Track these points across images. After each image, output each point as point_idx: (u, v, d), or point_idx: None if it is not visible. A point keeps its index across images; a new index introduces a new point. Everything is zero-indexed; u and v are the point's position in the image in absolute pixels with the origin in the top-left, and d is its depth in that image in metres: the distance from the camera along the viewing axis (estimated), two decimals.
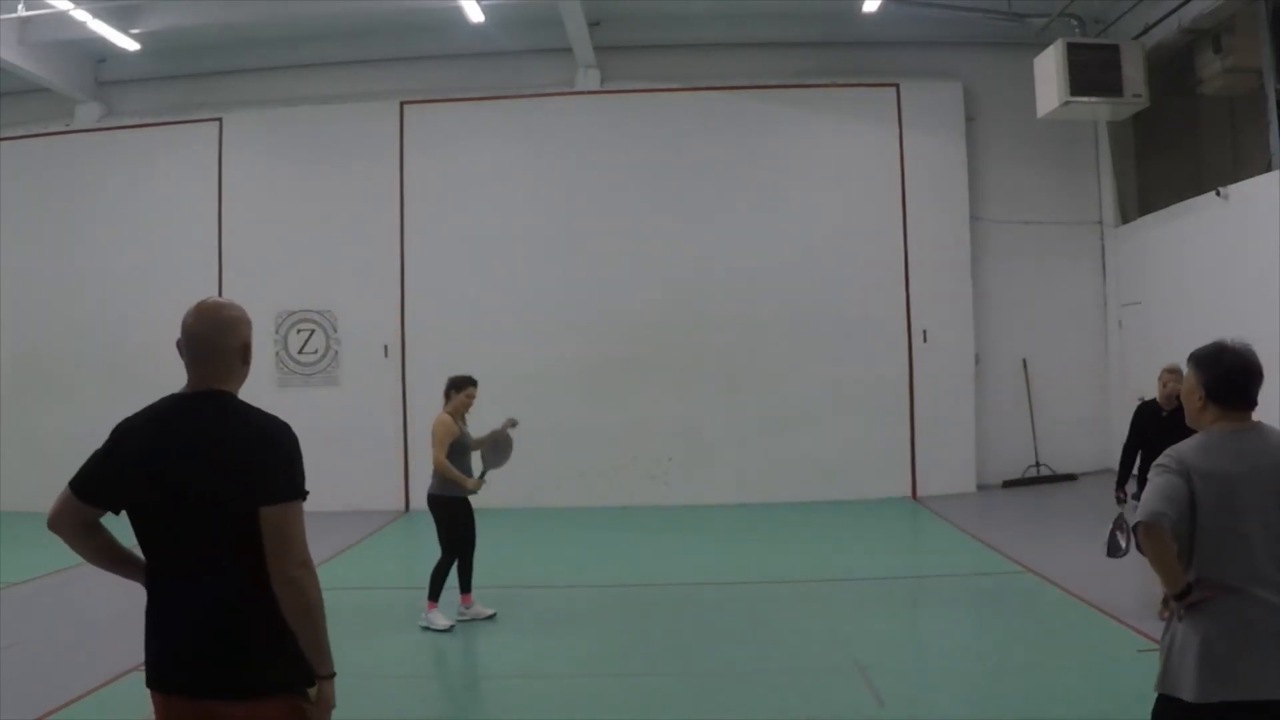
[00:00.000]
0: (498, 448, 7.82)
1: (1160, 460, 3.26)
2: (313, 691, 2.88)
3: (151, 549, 2.94)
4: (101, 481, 3.00)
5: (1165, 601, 3.34)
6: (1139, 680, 5.82)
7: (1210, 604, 3.12)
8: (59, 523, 3.07)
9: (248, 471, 2.80)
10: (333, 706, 2.93)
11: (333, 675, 2.92)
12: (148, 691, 2.90)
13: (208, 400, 2.96)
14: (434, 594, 7.46)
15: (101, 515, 3.03)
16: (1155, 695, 3.25)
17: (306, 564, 2.83)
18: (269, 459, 2.82)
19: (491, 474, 7.77)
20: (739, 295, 13.75)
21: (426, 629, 7.34)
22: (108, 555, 3.14)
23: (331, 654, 2.92)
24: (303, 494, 2.85)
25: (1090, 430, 14.26)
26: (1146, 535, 3.13)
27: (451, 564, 7.55)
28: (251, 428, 2.89)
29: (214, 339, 3.01)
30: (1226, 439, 3.23)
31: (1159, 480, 3.19)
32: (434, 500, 7.62)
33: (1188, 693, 3.08)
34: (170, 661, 2.84)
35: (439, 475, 7.56)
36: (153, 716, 2.90)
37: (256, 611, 2.80)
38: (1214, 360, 3.34)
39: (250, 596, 2.79)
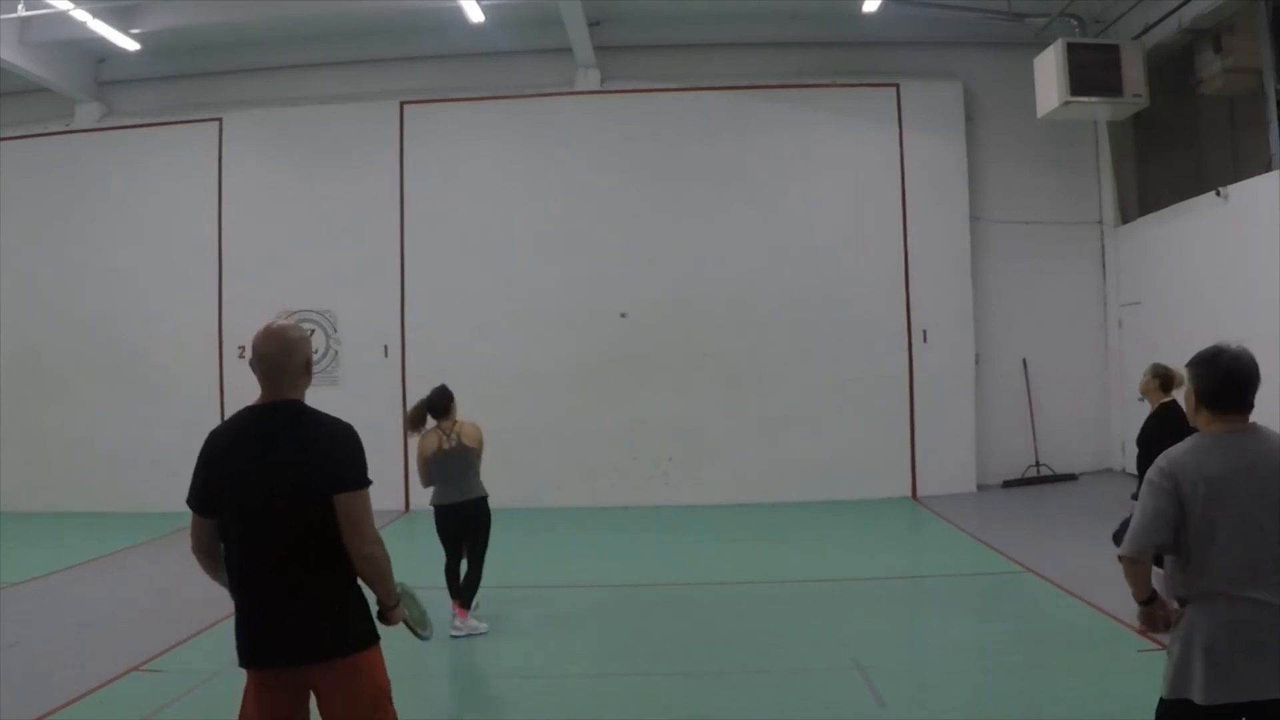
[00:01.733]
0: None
1: (1150, 474, 3.31)
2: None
3: (239, 545, 3.41)
4: (205, 491, 3.47)
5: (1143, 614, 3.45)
6: (1139, 680, 5.83)
7: (1210, 606, 3.16)
8: (199, 546, 3.53)
9: (321, 466, 3.36)
10: (400, 618, 3.66)
11: (396, 603, 3.61)
12: (244, 671, 3.45)
13: (282, 409, 3.48)
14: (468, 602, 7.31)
15: (215, 526, 3.48)
16: (1159, 699, 3.28)
17: (377, 540, 3.44)
18: (338, 454, 3.39)
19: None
20: (739, 295, 13.76)
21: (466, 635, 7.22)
22: (217, 567, 3.56)
23: (393, 585, 3.58)
24: (367, 482, 3.43)
25: (1090, 430, 14.27)
26: (1130, 568, 3.30)
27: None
28: (322, 429, 3.47)
29: (282, 358, 3.51)
30: (1219, 441, 3.27)
31: (1146, 505, 3.25)
32: (484, 505, 7.46)
33: (1197, 694, 3.10)
34: (267, 639, 3.37)
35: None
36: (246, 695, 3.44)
37: (333, 589, 3.38)
38: (1210, 364, 3.35)
39: (328, 577, 3.37)
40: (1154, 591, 3.33)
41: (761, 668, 6.66)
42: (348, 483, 3.36)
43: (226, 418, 3.60)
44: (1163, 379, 7.18)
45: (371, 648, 3.49)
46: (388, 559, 3.49)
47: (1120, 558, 3.29)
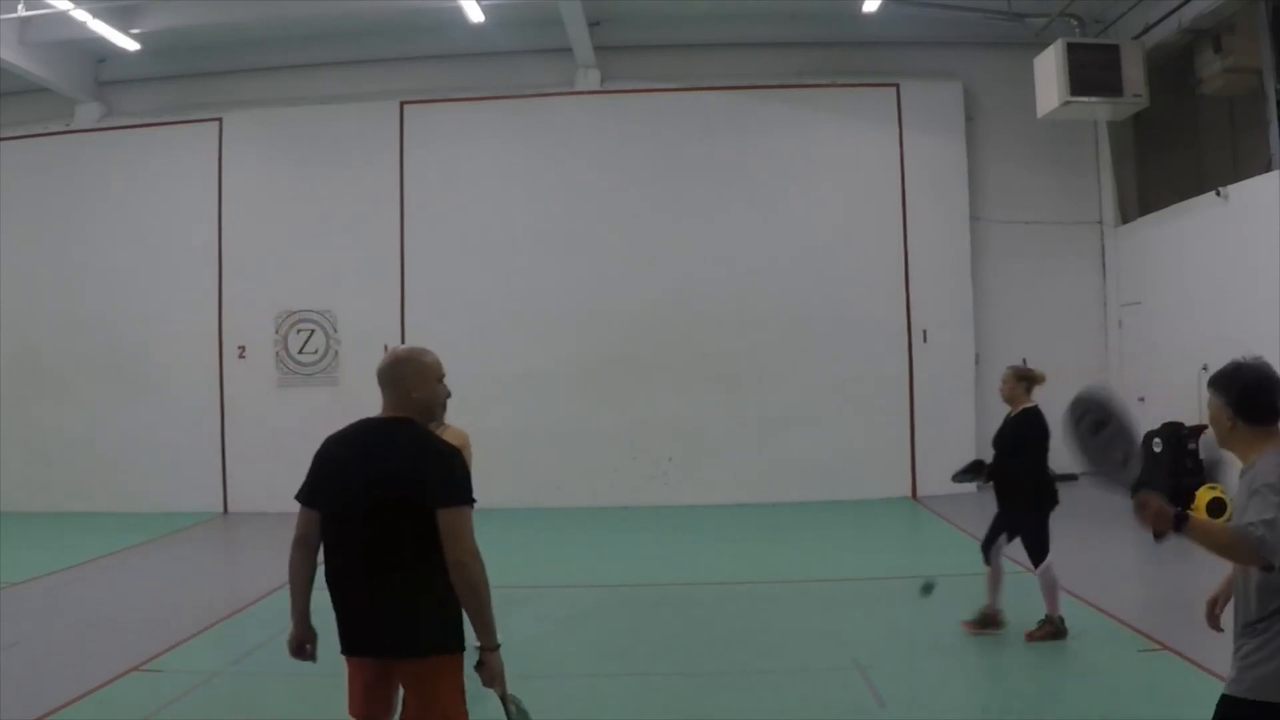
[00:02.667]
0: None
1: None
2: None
3: (340, 543, 3.64)
4: (317, 486, 3.70)
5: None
6: (1139, 680, 5.84)
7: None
8: (301, 538, 3.73)
9: (427, 482, 3.52)
10: (499, 672, 3.64)
11: (497, 647, 3.59)
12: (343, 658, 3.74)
13: (396, 425, 3.68)
14: None
15: (317, 523, 3.69)
16: (1232, 698, 3.19)
17: (475, 554, 3.51)
18: (443, 473, 3.56)
19: None
20: (739, 295, 13.75)
21: None
22: (307, 568, 3.77)
23: (495, 629, 3.59)
24: (470, 501, 3.56)
25: None
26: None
27: None
28: (430, 448, 3.64)
29: (394, 375, 3.73)
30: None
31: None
32: None
33: (1259, 693, 3.08)
34: (360, 631, 3.62)
35: None
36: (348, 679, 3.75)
37: (426, 591, 3.51)
38: (1231, 379, 3.30)
39: (422, 579, 3.51)
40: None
41: (761, 668, 6.65)
42: (450, 499, 3.51)
43: (344, 427, 3.79)
44: (1027, 381, 7.07)
45: (447, 655, 3.57)
46: (484, 576, 3.52)
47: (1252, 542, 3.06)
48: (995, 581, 7.03)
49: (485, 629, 3.56)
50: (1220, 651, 6.43)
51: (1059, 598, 6.75)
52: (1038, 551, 6.78)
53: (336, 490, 3.64)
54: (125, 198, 14.35)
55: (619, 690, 6.31)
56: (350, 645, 3.69)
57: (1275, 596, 3.12)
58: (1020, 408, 7.05)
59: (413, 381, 3.71)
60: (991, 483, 7.07)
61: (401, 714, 3.67)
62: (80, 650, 7.24)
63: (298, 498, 3.75)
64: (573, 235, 13.92)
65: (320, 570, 3.73)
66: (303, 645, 3.95)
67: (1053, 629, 6.68)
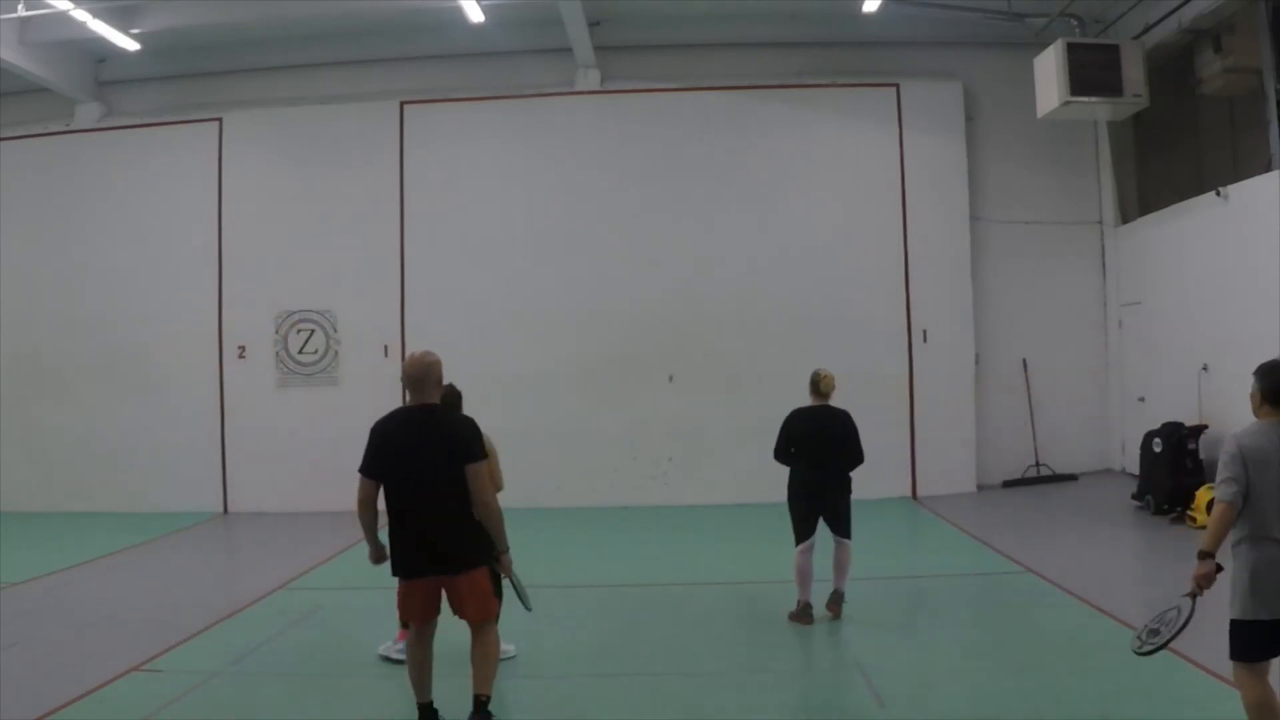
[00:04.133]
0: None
1: (1226, 446, 4.46)
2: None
3: (398, 498, 5.16)
4: (375, 462, 5.22)
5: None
6: (1140, 680, 5.84)
7: (1256, 548, 4.32)
8: (365, 501, 5.23)
9: (455, 447, 5.16)
10: (509, 564, 5.48)
11: (507, 549, 5.39)
12: (396, 579, 5.30)
13: (426, 410, 5.31)
14: None
15: (377, 486, 5.21)
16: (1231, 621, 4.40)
17: (492, 494, 5.28)
18: (466, 438, 5.24)
19: None
20: (739, 295, 13.76)
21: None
22: (373, 522, 5.31)
23: (506, 539, 5.35)
24: (484, 456, 5.26)
25: (1090, 430, 14.26)
26: (1227, 511, 4.34)
27: None
28: (454, 423, 5.33)
29: (422, 377, 5.32)
30: (1273, 427, 4.46)
31: (1226, 467, 4.38)
32: None
33: (1251, 614, 4.28)
34: (416, 558, 5.16)
35: None
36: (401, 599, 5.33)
37: (462, 526, 5.17)
38: (1271, 372, 4.59)
39: (459, 518, 5.15)
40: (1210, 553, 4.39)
41: (761, 668, 6.66)
42: (472, 457, 5.16)
43: (385, 415, 5.34)
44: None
45: (482, 567, 5.26)
46: (499, 511, 5.26)
47: (1213, 502, 4.40)
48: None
49: (500, 540, 5.30)
50: (1220, 652, 6.46)
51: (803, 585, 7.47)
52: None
53: (396, 460, 5.14)
54: (125, 198, 14.35)
55: (619, 690, 6.31)
56: (411, 571, 5.19)
57: (1236, 532, 4.39)
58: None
59: (435, 378, 5.34)
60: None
61: (453, 605, 5.24)
62: (80, 650, 7.24)
63: (361, 470, 5.20)
64: (573, 235, 13.92)
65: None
66: (380, 558, 5.36)
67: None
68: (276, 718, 5.98)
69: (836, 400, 7.94)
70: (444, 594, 5.25)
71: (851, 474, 7.72)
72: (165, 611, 8.33)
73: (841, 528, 7.61)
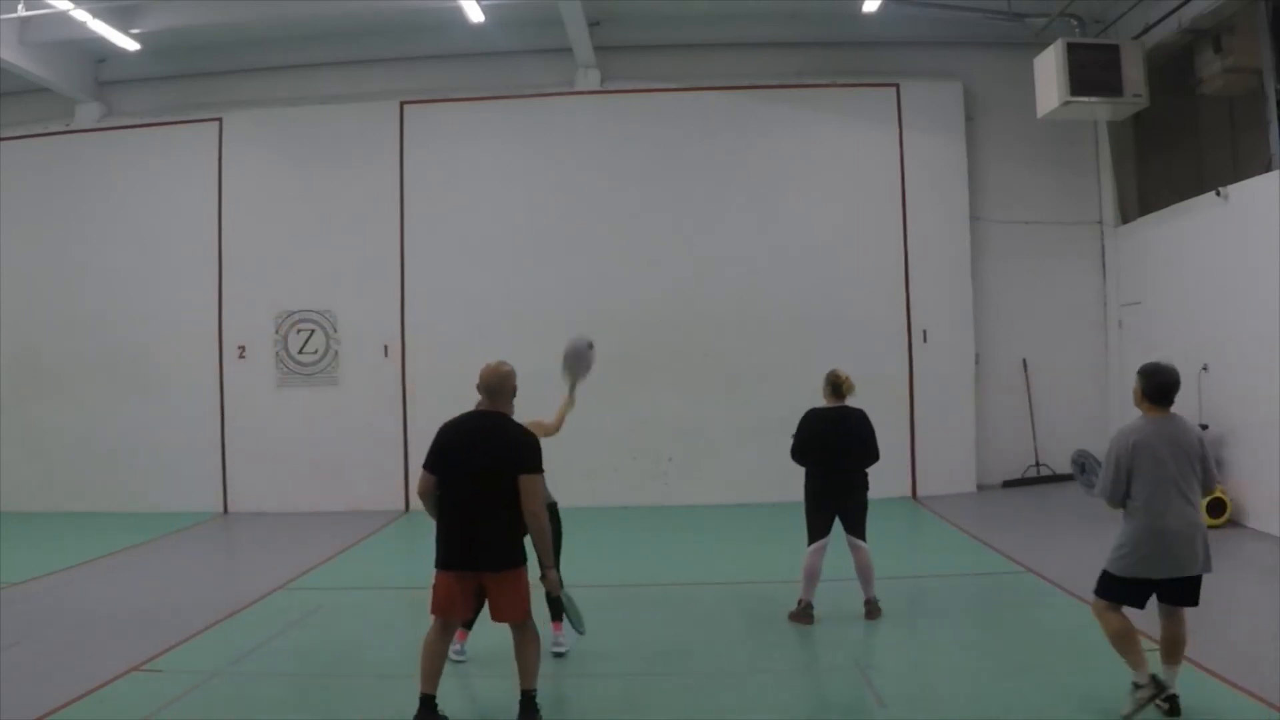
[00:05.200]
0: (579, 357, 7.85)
1: (1115, 439, 5.37)
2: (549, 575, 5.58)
3: (453, 495, 5.40)
4: (438, 460, 5.46)
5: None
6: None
7: (1145, 522, 5.18)
8: (425, 492, 5.49)
9: (513, 457, 5.38)
10: (557, 581, 5.63)
11: (553, 566, 5.57)
12: (435, 571, 5.48)
13: (494, 416, 5.58)
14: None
15: (437, 480, 5.45)
16: (1109, 574, 5.34)
17: (543, 508, 5.42)
18: (525, 449, 5.44)
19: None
20: (739, 295, 13.76)
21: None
22: (435, 505, 5.49)
23: (553, 554, 5.61)
24: (541, 469, 5.46)
25: (1090, 430, 14.22)
26: (1109, 504, 5.36)
27: None
28: (517, 433, 5.52)
29: (497, 386, 5.65)
30: (1156, 423, 5.35)
31: (1111, 464, 5.29)
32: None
33: (1126, 572, 5.25)
34: (461, 553, 5.36)
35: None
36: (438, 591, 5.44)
37: (506, 528, 5.35)
38: (1151, 374, 5.45)
39: (506, 521, 5.34)
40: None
41: (761, 668, 6.66)
42: (530, 467, 5.39)
43: (455, 417, 5.61)
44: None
45: (521, 568, 5.42)
46: (546, 520, 5.44)
47: (1101, 497, 5.33)
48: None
49: (546, 555, 5.46)
50: (1220, 652, 6.45)
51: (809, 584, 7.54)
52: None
53: (458, 460, 5.40)
54: (125, 198, 14.35)
55: (619, 690, 6.31)
56: (453, 562, 5.38)
57: (1132, 504, 5.28)
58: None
59: (510, 388, 5.68)
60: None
61: (490, 604, 5.50)
62: (80, 650, 7.24)
63: (425, 466, 5.49)
64: (573, 235, 13.92)
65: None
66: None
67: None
68: (276, 718, 5.98)
69: (854, 401, 7.94)
70: (485, 600, 5.58)
71: (867, 472, 7.74)
72: (165, 611, 8.33)
73: (857, 527, 7.60)
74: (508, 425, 5.51)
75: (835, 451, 7.58)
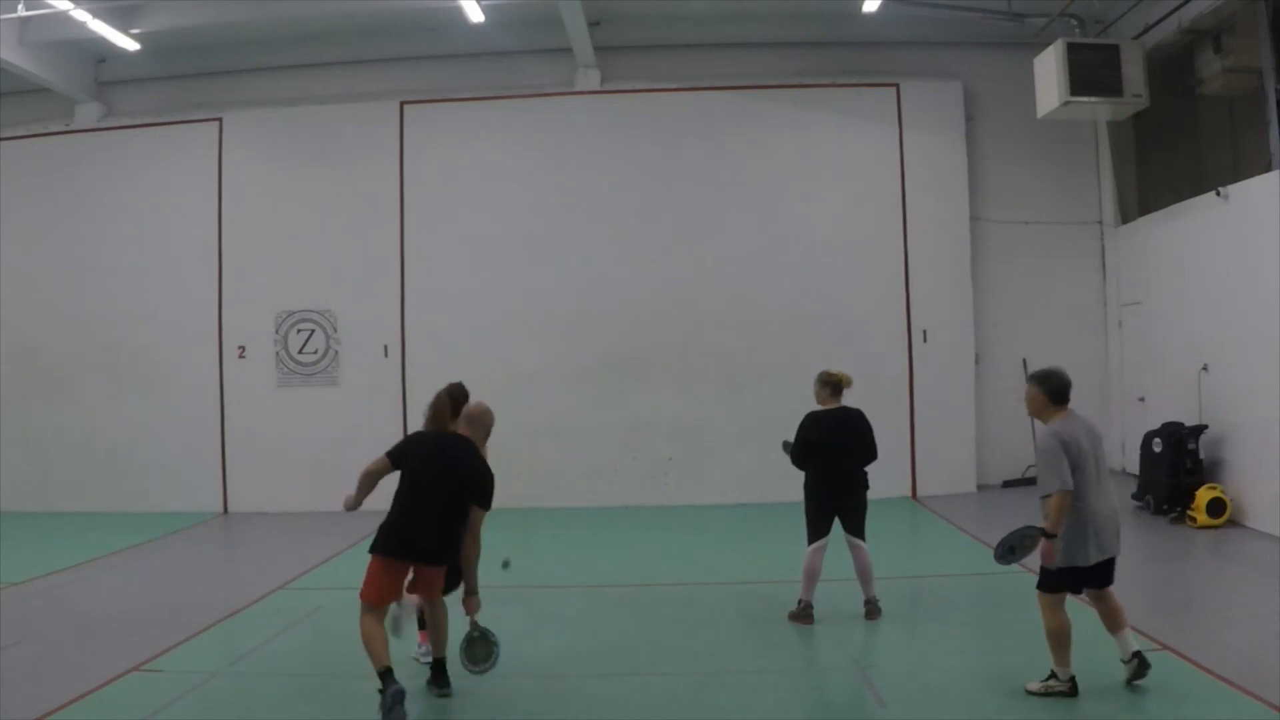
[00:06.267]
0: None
1: (1046, 438, 5.67)
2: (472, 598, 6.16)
3: (410, 492, 5.98)
4: (401, 453, 6.11)
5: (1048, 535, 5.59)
6: (1140, 680, 5.83)
7: (1072, 514, 5.56)
8: (372, 474, 6.08)
9: (474, 483, 6.02)
10: (476, 608, 6.13)
11: (476, 591, 6.12)
12: (370, 555, 5.99)
13: (466, 442, 6.20)
14: None
15: (390, 472, 6.08)
16: (1046, 570, 5.72)
17: (478, 538, 6.05)
18: (485, 484, 6.08)
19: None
20: (739, 295, 13.76)
21: None
22: (367, 491, 6.11)
23: (476, 581, 6.14)
24: (489, 508, 6.08)
25: None
26: (1064, 499, 5.53)
27: None
28: (482, 467, 6.17)
29: (478, 416, 6.40)
30: (1070, 420, 5.76)
31: (1056, 457, 5.57)
32: None
33: (1072, 562, 5.64)
34: (404, 545, 5.91)
35: None
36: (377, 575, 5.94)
37: (449, 535, 5.96)
38: (1048, 378, 5.89)
39: (450, 529, 5.96)
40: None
41: (761, 668, 6.66)
42: (483, 502, 6.04)
43: (430, 430, 6.25)
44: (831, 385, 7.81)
45: (444, 565, 6.05)
46: (478, 554, 6.06)
47: (1056, 492, 5.54)
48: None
49: (473, 579, 6.06)
50: (1220, 652, 6.45)
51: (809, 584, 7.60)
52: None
53: (423, 465, 5.96)
54: (125, 198, 14.35)
55: (619, 690, 6.31)
56: (393, 550, 5.90)
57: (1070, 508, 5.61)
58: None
59: (487, 426, 6.41)
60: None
61: (417, 585, 6.06)
62: (80, 650, 7.24)
63: (388, 454, 6.07)
64: (573, 235, 13.92)
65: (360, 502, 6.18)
66: (354, 506, 6.18)
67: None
68: (276, 718, 5.98)
69: (849, 401, 7.96)
70: (407, 577, 6.08)
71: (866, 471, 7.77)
72: (165, 611, 8.33)
73: (857, 527, 7.62)
74: (475, 454, 6.17)
75: (838, 453, 7.59)
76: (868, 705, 5.92)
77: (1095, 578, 5.77)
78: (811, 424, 7.68)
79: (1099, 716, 5.54)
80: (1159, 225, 12.84)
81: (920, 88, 13.97)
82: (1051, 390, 5.79)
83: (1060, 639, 5.70)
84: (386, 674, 5.64)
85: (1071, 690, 5.66)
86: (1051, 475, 5.53)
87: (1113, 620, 5.86)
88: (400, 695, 5.52)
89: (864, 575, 7.66)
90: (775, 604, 7.91)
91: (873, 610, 7.61)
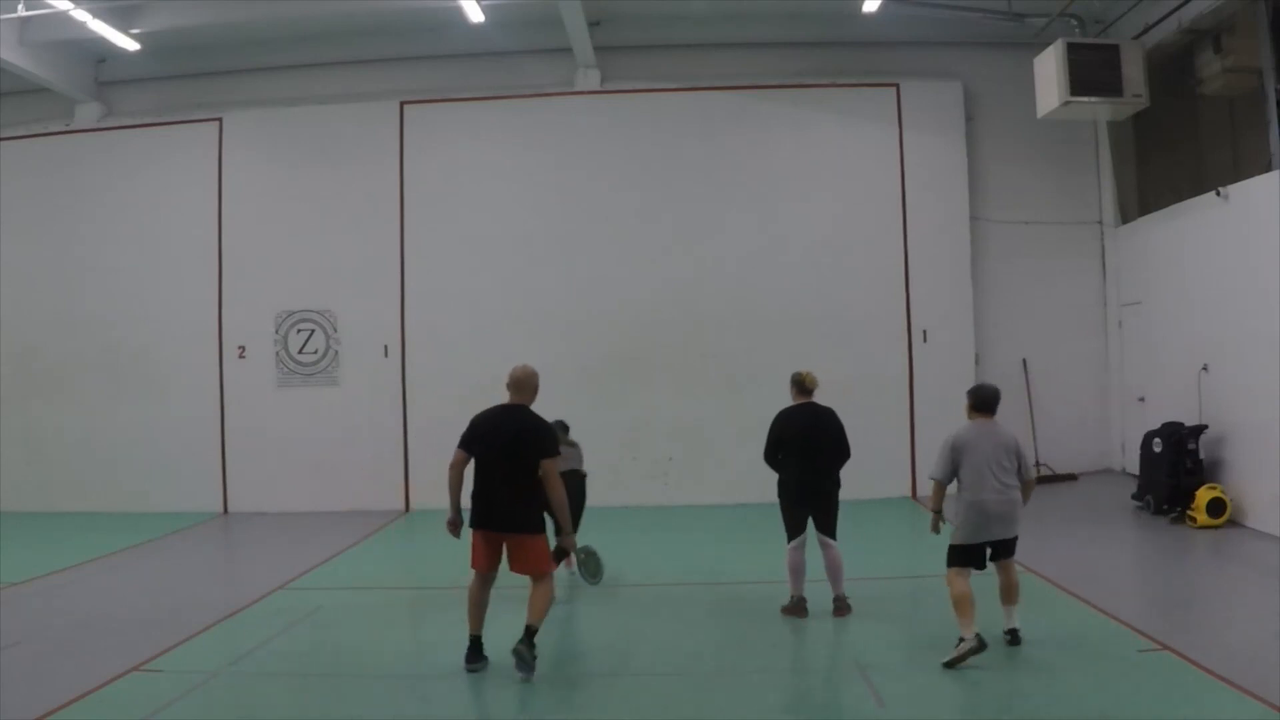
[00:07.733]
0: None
1: (948, 438, 6.79)
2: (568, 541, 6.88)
3: (482, 468, 6.55)
4: (471, 441, 6.61)
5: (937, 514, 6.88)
6: (1139, 680, 5.84)
7: (969, 501, 6.67)
8: (456, 466, 6.59)
9: (536, 442, 6.49)
10: (574, 544, 7.13)
11: (571, 532, 6.91)
12: (471, 530, 6.55)
13: (518, 407, 6.73)
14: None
15: (469, 459, 6.58)
16: (949, 546, 6.77)
17: (558, 484, 6.49)
18: (541, 437, 6.55)
19: None
20: (739, 295, 13.76)
21: None
22: (459, 486, 6.61)
23: (570, 521, 6.80)
24: (557, 453, 6.54)
25: (1090, 430, 14.26)
26: (936, 486, 6.86)
27: None
28: (535, 422, 6.63)
29: (523, 380, 6.84)
30: (978, 426, 6.81)
31: (944, 454, 6.78)
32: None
33: (965, 540, 6.69)
34: (485, 516, 6.46)
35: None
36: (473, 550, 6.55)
37: (524, 497, 6.47)
38: (975, 392, 7.06)
39: (524, 491, 6.45)
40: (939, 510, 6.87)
41: (761, 668, 6.66)
42: (547, 453, 6.47)
43: (486, 409, 6.78)
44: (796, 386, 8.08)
45: (537, 535, 6.51)
46: (564, 498, 6.53)
47: (932, 478, 6.82)
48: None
49: (565, 522, 6.62)
50: (1220, 652, 6.46)
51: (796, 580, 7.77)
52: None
53: (488, 441, 6.52)
54: (125, 198, 14.35)
55: (620, 690, 6.31)
56: (479, 522, 6.48)
57: (959, 489, 6.79)
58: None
59: (533, 385, 6.83)
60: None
61: (509, 559, 6.52)
62: (80, 650, 7.24)
63: (459, 444, 6.60)
64: (572, 235, 13.92)
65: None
66: (456, 525, 6.60)
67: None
68: (276, 718, 5.98)
69: (838, 401, 7.98)
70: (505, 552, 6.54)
71: (840, 470, 7.88)
72: (165, 611, 8.33)
73: (829, 527, 7.73)
74: (527, 415, 6.64)
75: (811, 449, 7.70)
76: (868, 705, 5.92)
77: (997, 552, 6.77)
78: (782, 420, 7.86)
79: (1098, 714, 5.54)
80: (1159, 225, 12.85)
81: (920, 88, 13.97)
82: (973, 400, 6.96)
83: (962, 605, 6.46)
84: (474, 643, 6.49)
85: (980, 645, 6.28)
86: (934, 466, 6.80)
87: (1005, 594, 6.79)
88: (473, 658, 6.45)
89: (834, 573, 7.75)
90: (775, 604, 7.91)
91: (841, 607, 7.69)
